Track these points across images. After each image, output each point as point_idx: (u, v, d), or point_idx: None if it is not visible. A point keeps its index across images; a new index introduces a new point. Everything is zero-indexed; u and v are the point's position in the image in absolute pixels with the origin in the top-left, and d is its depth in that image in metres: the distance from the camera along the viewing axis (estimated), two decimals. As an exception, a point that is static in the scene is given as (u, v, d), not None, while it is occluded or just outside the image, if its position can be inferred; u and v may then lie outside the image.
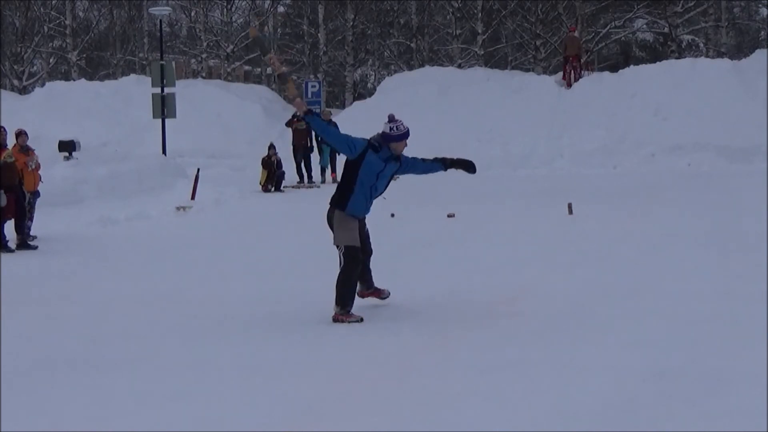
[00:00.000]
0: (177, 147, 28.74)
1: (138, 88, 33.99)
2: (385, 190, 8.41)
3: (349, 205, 8.19)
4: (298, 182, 23.77)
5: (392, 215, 15.67)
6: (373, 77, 46.13)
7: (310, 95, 35.75)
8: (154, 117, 27.82)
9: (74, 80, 38.91)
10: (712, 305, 8.53)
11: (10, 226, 13.55)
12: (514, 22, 40.00)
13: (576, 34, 32.14)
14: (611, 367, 6.55)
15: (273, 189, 22.20)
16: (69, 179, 18.20)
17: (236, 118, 33.21)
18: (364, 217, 8.44)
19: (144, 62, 45.19)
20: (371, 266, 8.69)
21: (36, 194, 14.35)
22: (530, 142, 27.73)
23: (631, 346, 7.12)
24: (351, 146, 8.18)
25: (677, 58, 34.49)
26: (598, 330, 7.69)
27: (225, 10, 42.46)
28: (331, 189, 8.97)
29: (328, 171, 24.13)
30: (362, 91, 43.96)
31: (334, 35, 42.04)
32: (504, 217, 15.83)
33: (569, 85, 30.16)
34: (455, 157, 8.65)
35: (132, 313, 8.98)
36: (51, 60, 45.91)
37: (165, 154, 26.11)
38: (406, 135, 8.24)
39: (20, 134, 14.15)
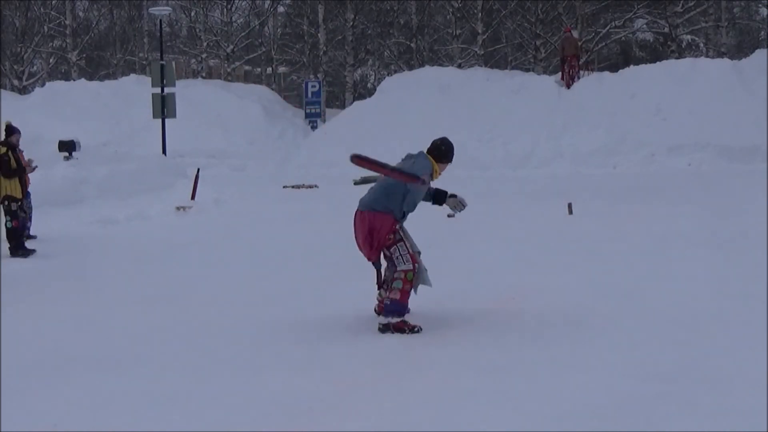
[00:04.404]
0: (177, 147, 28.78)
1: (138, 88, 34.05)
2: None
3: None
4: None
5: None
6: (373, 77, 46.16)
7: (310, 95, 35.80)
8: (154, 117, 27.86)
9: (74, 80, 38.94)
10: (712, 305, 8.53)
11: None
12: (514, 22, 40.02)
13: (573, 34, 32.14)
14: (610, 367, 6.55)
15: None
16: (69, 179, 18.20)
17: (236, 118, 33.26)
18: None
19: (144, 62, 45.21)
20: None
21: (27, 195, 14.33)
22: (530, 142, 27.74)
23: (631, 346, 7.12)
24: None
25: (677, 58, 34.51)
26: (597, 330, 7.69)
27: (225, 10, 42.48)
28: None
29: None
30: (362, 91, 43.96)
31: (334, 35, 42.04)
32: (504, 217, 15.83)
33: (568, 85, 30.17)
34: None
35: (132, 312, 8.98)
36: (51, 60, 45.92)
37: (165, 154, 26.13)
38: None
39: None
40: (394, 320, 7.73)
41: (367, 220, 7.87)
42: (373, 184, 8.16)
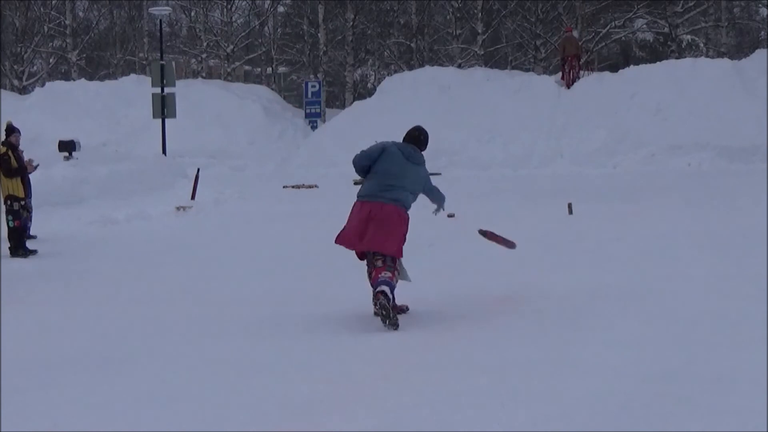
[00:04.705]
0: (177, 147, 28.77)
1: (138, 88, 34.03)
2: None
3: None
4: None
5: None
6: (373, 77, 46.11)
7: (310, 95, 35.80)
8: (154, 117, 27.86)
9: (74, 80, 38.91)
10: (712, 305, 8.53)
11: None
12: (514, 22, 40.02)
13: (574, 33, 32.14)
14: (611, 367, 6.54)
15: None
16: (69, 179, 18.22)
17: (236, 118, 33.24)
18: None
19: (144, 62, 45.20)
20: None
21: (29, 194, 14.35)
22: (530, 142, 27.74)
23: (631, 346, 7.12)
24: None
25: (677, 58, 34.49)
26: (597, 330, 7.69)
27: (225, 10, 42.45)
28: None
29: None
30: (362, 91, 43.92)
31: (334, 35, 42.03)
32: (504, 217, 15.82)
33: (568, 86, 30.16)
34: None
35: (132, 312, 8.98)
36: (51, 60, 45.90)
37: (165, 154, 26.14)
38: None
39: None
40: (390, 294, 7.86)
41: (404, 217, 8.22)
42: (391, 181, 8.19)
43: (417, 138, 8.49)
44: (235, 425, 5.55)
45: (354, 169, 8.51)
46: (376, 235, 8.05)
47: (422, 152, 8.53)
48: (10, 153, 13.25)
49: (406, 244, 8.32)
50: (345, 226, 8.29)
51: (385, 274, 7.95)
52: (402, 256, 8.24)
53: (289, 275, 11.02)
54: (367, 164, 8.35)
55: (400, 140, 8.58)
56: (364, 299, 8.65)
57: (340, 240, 8.29)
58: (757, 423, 5.32)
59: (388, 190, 8.15)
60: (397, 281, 8.08)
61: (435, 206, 8.98)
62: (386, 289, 7.82)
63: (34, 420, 5.74)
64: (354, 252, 8.41)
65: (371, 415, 5.66)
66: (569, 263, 11.17)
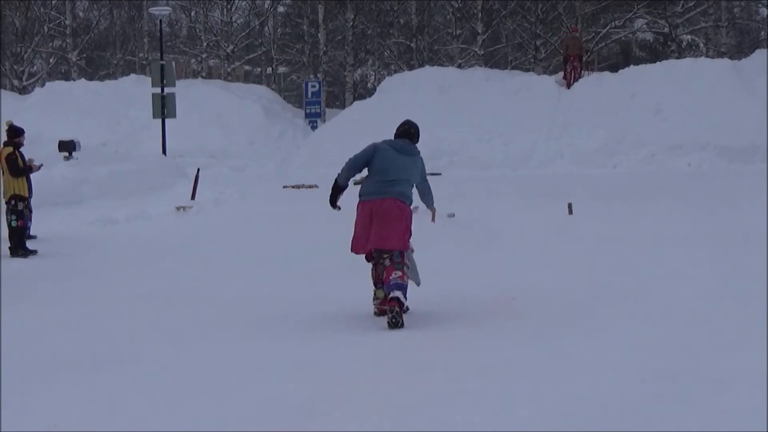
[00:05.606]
0: (177, 147, 28.75)
1: (138, 88, 34.00)
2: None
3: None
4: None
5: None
6: (373, 77, 46.09)
7: (310, 95, 35.79)
8: (154, 117, 27.83)
9: (74, 80, 38.89)
10: (712, 305, 8.53)
11: None
12: (514, 22, 39.98)
13: (577, 34, 32.15)
14: (611, 367, 6.54)
15: None
16: (69, 179, 18.20)
17: (236, 118, 33.22)
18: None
19: (144, 62, 45.18)
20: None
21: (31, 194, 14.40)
22: (530, 142, 27.72)
23: (631, 346, 7.12)
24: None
25: (677, 58, 34.47)
26: (597, 330, 7.70)
27: (225, 10, 42.43)
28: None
29: None
30: (362, 91, 43.90)
31: (334, 35, 42.00)
32: (504, 217, 15.83)
33: (569, 85, 30.14)
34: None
35: (132, 313, 8.98)
36: (51, 60, 45.89)
37: (165, 154, 26.12)
38: None
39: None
40: (404, 298, 7.91)
41: (404, 210, 8.24)
42: (389, 177, 8.23)
43: (408, 132, 8.54)
44: (235, 425, 5.55)
45: (341, 172, 8.47)
46: (378, 232, 8.09)
47: (415, 144, 8.55)
48: (16, 153, 13.33)
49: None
50: (354, 232, 8.33)
51: (396, 275, 7.95)
52: (408, 248, 8.25)
53: (289, 275, 11.02)
54: (362, 166, 8.40)
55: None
56: (364, 299, 8.65)
57: (353, 248, 8.35)
58: (757, 423, 5.32)
59: (387, 186, 8.21)
60: (408, 280, 8.08)
61: (429, 211, 8.98)
62: (399, 294, 7.87)
63: (34, 420, 5.74)
64: (363, 255, 8.45)
65: (371, 415, 5.65)
66: (569, 263, 11.17)
